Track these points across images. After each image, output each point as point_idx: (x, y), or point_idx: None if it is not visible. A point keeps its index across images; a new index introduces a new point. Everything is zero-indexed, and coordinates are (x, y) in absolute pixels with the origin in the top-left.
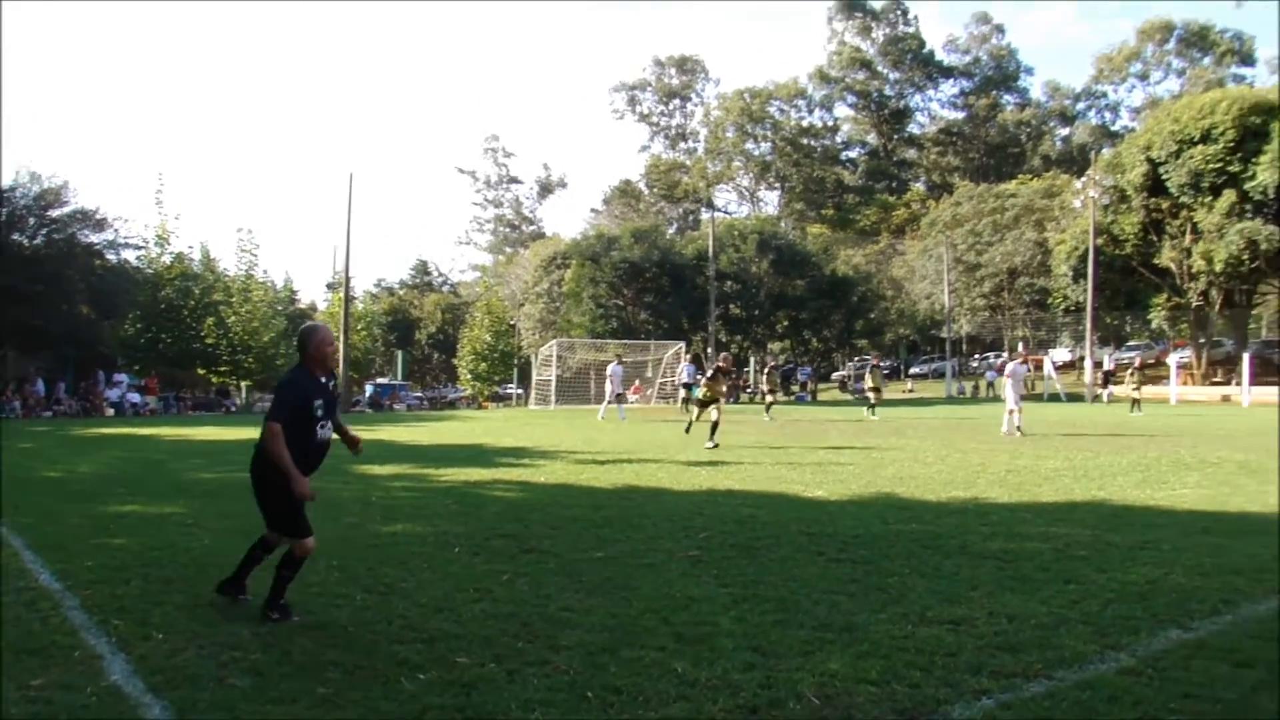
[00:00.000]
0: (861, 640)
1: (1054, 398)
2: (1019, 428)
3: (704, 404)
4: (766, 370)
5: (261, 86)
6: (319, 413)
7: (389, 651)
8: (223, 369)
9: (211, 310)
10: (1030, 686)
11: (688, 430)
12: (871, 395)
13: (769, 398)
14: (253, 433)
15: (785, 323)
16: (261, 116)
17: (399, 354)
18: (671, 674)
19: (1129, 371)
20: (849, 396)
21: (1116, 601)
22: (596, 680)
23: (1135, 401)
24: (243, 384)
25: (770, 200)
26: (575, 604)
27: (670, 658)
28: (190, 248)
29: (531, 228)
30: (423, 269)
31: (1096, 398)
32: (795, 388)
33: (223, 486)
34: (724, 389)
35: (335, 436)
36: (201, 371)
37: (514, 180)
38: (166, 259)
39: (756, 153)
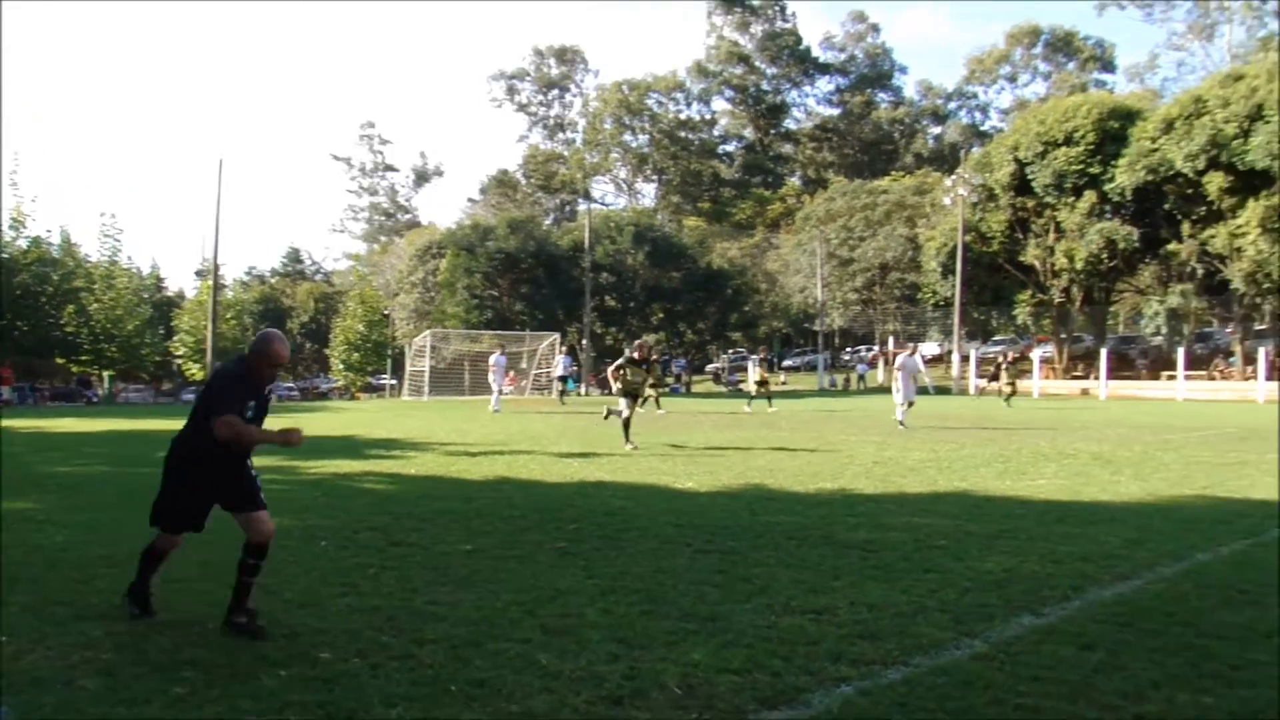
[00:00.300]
0: (726, 630)
1: (922, 391)
2: (901, 421)
3: (629, 395)
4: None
5: (126, 66)
6: (249, 414)
7: (250, 648)
8: (84, 358)
9: (72, 297)
10: (888, 673)
11: (628, 438)
12: (758, 388)
13: (650, 390)
14: (117, 424)
15: (660, 314)
16: (127, 97)
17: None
18: (535, 666)
19: (1003, 365)
20: (723, 389)
21: (973, 589)
22: (460, 674)
23: (1008, 395)
24: (105, 374)
25: (647, 192)
26: (442, 597)
27: (535, 650)
28: (49, 232)
29: (407, 216)
30: (295, 257)
31: (999, 391)
32: (669, 379)
33: (81, 481)
34: (643, 379)
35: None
36: (61, 361)
37: (389, 168)
38: (22, 243)
39: (634, 145)
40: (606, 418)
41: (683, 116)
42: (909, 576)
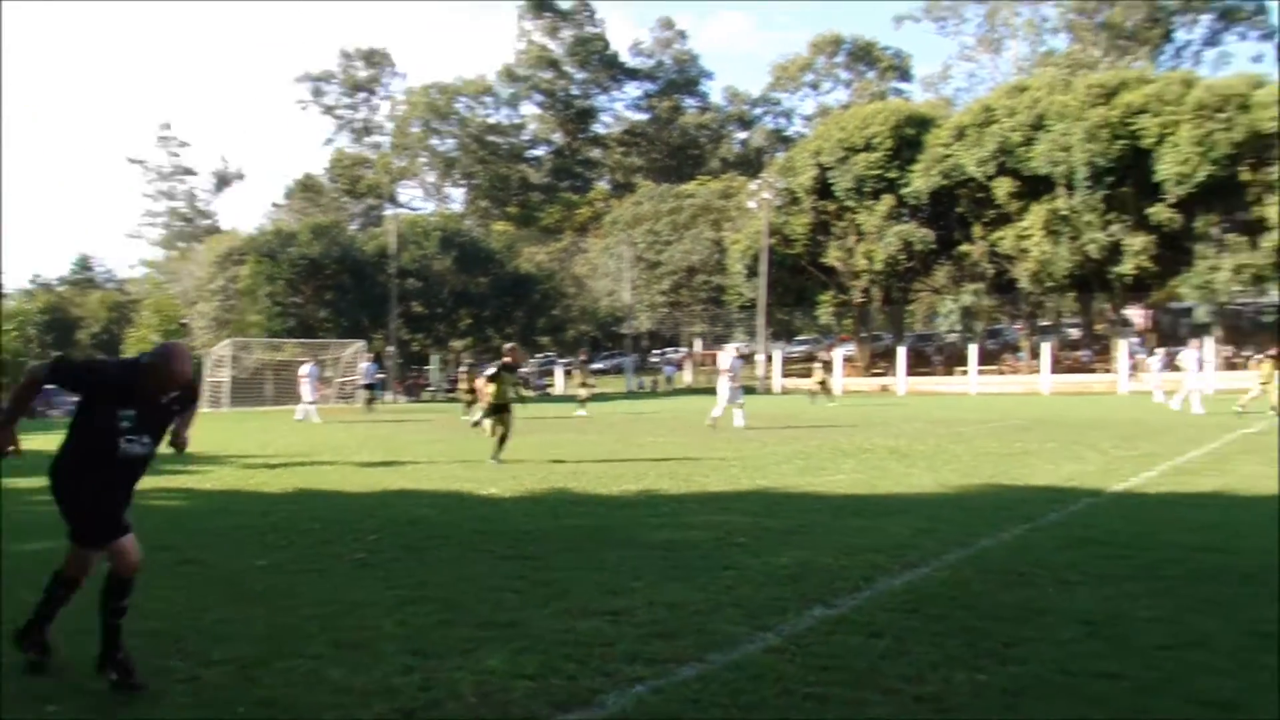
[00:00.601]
0: (524, 636)
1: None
2: (714, 420)
3: (496, 409)
4: (467, 368)
5: None
6: (124, 424)
7: (19, 685)
8: None
9: None
10: (683, 671)
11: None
12: (582, 391)
13: (468, 397)
14: None
15: (468, 320)
16: None
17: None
18: (327, 682)
19: (817, 365)
20: (531, 394)
21: (769, 584)
22: (248, 694)
23: (819, 394)
24: None
25: (456, 197)
26: (233, 615)
27: (327, 665)
28: None
29: (207, 221)
30: (85, 264)
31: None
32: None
33: None
34: (514, 391)
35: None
36: None
37: (188, 171)
38: None
39: (442, 149)
40: (476, 424)
41: (491, 121)
42: (707, 574)
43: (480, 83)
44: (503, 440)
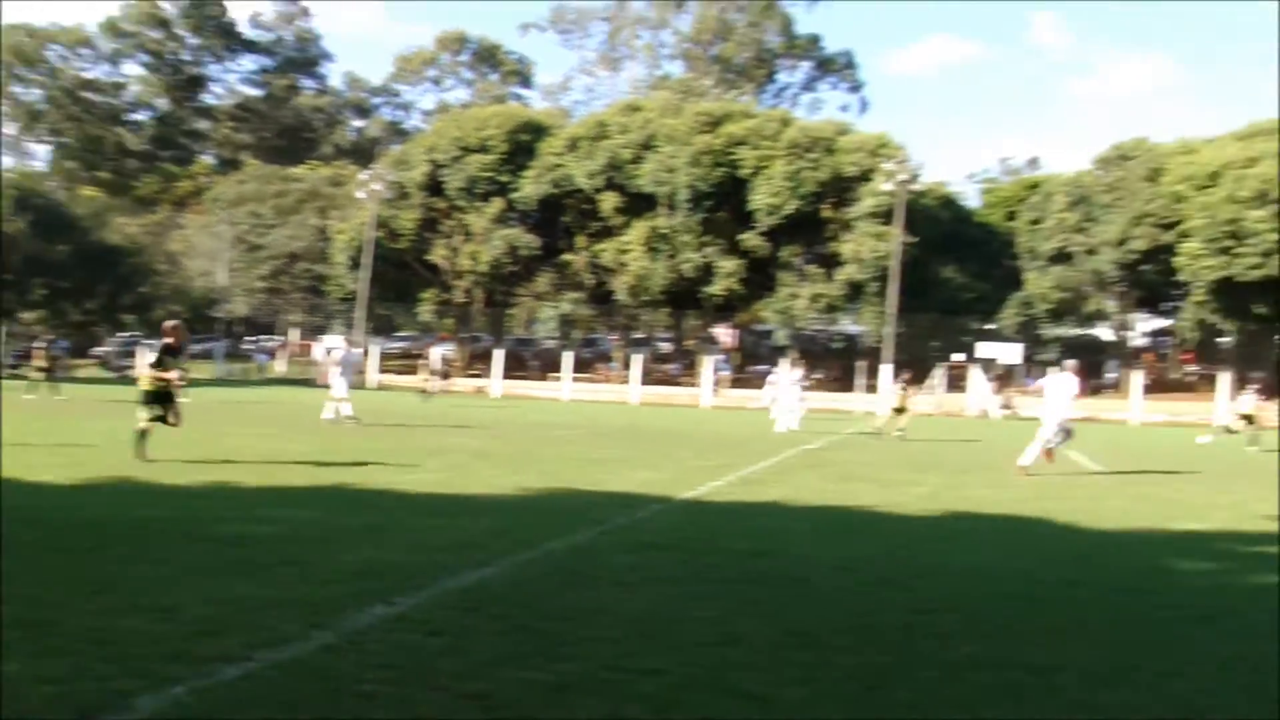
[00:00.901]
0: (55, 635)
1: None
2: (352, 415)
3: (157, 399)
4: (46, 345)
5: None
6: None
7: None
8: None
9: None
10: (228, 670)
11: (142, 448)
12: (174, 374)
13: (38, 375)
14: None
15: (43, 291)
16: None
17: None
18: None
19: (423, 363)
20: (111, 375)
21: (334, 582)
22: None
23: (427, 392)
24: None
25: (39, 154)
26: None
27: None
28: None
29: None
30: None
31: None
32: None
33: None
34: (177, 375)
35: None
36: None
37: None
38: None
39: (27, 99)
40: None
41: (88, 75)
42: (270, 570)
43: (78, 32)
44: (162, 421)
